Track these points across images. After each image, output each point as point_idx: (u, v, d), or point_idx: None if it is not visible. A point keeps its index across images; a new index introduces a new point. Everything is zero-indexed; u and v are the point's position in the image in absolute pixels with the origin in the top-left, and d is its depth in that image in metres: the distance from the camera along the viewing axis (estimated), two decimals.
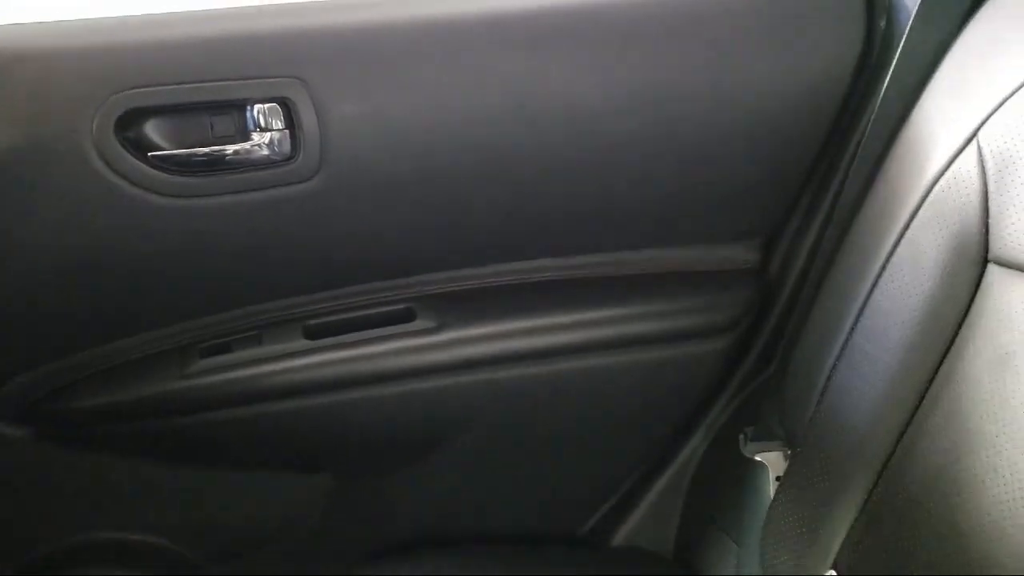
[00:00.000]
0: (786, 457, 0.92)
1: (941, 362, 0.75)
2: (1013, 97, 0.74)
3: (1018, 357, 0.69)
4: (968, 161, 0.76)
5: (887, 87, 0.85)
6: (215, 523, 0.95)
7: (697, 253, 0.97)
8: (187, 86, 0.79)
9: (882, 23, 0.90)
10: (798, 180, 0.94)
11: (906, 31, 0.84)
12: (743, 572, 0.96)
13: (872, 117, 0.86)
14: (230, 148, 0.81)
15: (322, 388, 0.87)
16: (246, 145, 0.81)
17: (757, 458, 0.92)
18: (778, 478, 0.91)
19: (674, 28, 0.87)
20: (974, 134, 0.76)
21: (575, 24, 0.85)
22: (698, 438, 1.03)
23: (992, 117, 0.75)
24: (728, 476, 0.98)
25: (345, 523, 0.97)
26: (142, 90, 0.77)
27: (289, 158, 0.81)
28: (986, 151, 0.75)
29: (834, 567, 0.82)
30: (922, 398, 0.76)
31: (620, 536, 1.04)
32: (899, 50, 0.84)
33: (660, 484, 1.03)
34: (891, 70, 0.85)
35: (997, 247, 0.73)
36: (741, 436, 0.95)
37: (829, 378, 0.84)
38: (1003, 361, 0.70)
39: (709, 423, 1.02)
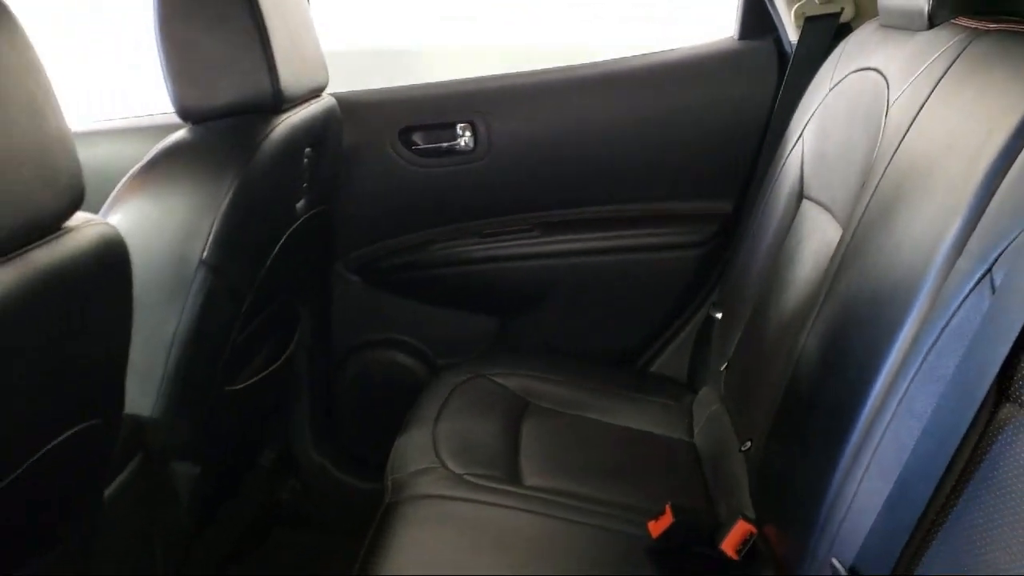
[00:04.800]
0: None
1: (780, 248, 1.47)
2: (816, 112, 1.45)
3: (802, 247, 1.38)
4: (798, 147, 1.48)
5: (776, 109, 1.58)
6: (444, 333, 1.87)
7: (695, 204, 1.75)
8: (430, 116, 1.73)
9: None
10: (748, 164, 1.68)
11: (785, 78, 1.57)
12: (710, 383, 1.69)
13: (770, 127, 1.60)
14: (452, 144, 1.73)
15: (488, 261, 1.78)
16: (456, 143, 1.73)
17: (716, 315, 1.66)
18: None
19: (666, 80, 1.68)
20: (802, 132, 1.48)
21: (613, 80, 1.69)
22: (703, 310, 1.78)
23: (809, 122, 1.47)
24: (708, 328, 1.73)
25: (502, 340, 1.86)
26: (411, 120, 1.73)
27: (474, 150, 1.72)
28: (806, 140, 1.46)
29: (727, 362, 1.54)
30: (771, 273, 1.48)
31: (655, 367, 1.83)
32: (781, 89, 1.57)
33: (681, 337, 1.81)
34: (777, 100, 1.58)
35: (805, 190, 1.44)
36: (712, 304, 1.70)
37: (739, 259, 1.58)
38: (798, 247, 1.39)
39: (707, 300, 1.78)
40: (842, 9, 1.54)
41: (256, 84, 1.23)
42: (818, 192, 1.38)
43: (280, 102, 1.27)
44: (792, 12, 1.56)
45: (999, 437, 0.71)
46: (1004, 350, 0.70)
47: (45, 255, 0.70)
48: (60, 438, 0.77)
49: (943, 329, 0.80)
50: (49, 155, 0.70)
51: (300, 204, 1.42)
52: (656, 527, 1.22)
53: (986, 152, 0.85)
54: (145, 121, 1.69)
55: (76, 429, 0.80)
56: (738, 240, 1.64)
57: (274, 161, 1.25)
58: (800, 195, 1.45)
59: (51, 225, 0.72)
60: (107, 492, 1.05)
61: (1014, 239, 0.75)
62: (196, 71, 1.23)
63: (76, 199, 0.75)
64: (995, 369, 0.70)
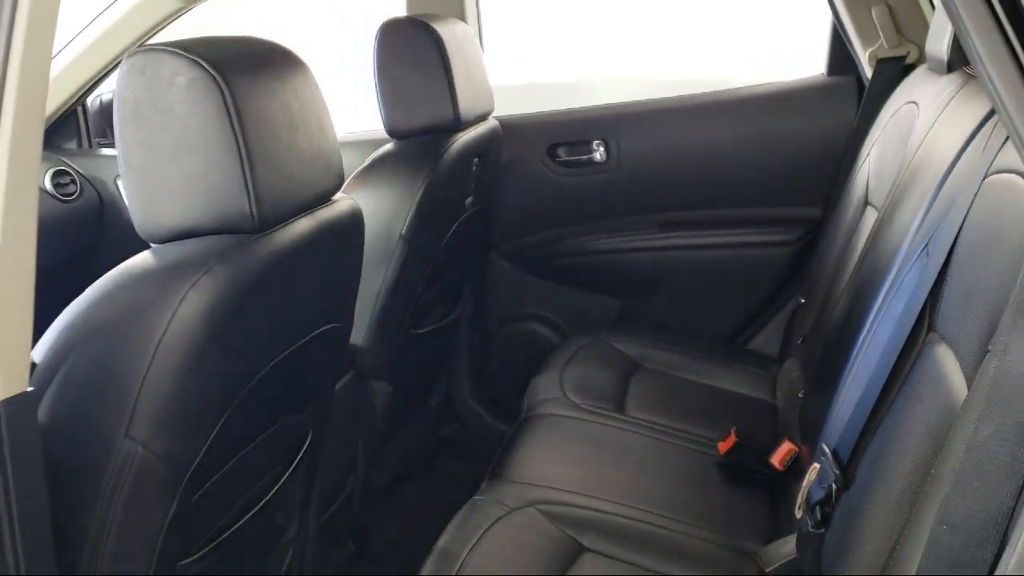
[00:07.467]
0: None
1: (848, 245, 1.82)
2: (879, 135, 1.80)
3: (859, 241, 1.73)
4: (866, 164, 1.84)
5: (852, 133, 1.94)
6: (575, 310, 2.31)
7: (788, 209, 2.12)
8: (571, 135, 2.18)
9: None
10: (832, 178, 2.04)
11: (860, 107, 1.92)
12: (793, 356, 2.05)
13: (848, 147, 1.95)
14: (588, 157, 2.18)
15: (613, 253, 2.21)
16: (592, 156, 2.17)
17: (802, 301, 2.02)
18: None
19: (766, 108, 2.07)
20: (869, 152, 1.83)
21: (723, 106, 2.10)
22: (793, 299, 2.14)
23: (875, 143, 1.81)
24: (796, 313, 2.09)
25: (623, 318, 2.28)
26: (557, 138, 2.18)
27: (606, 162, 2.16)
28: (871, 158, 1.82)
29: (804, 336, 1.89)
30: (840, 265, 1.84)
31: (751, 345, 2.20)
32: (857, 115, 1.93)
33: (774, 320, 2.17)
34: (854, 124, 1.94)
35: (868, 198, 1.79)
36: (798, 292, 2.06)
37: (819, 255, 1.94)
38: (858, 242, 1.75)
39: (797, 289, 2.13)
40: (908, 53, 1.88)
41: (442, 111, 1.72)
42: (875, 199, 1.73)
43: (458, 124, 1.75)
44: (867, 55, 1.92)
45: (921, 354, 1.08)
46: (925, 293, 1.07)
47: (324, 213, 1.19)
48: (322, 328, 1.26)
49: (901, 284, 1.17)
50: (328, 155, 1.19)
51: (468, 200, 1.90)
52: (723, 446, 1.62)
53: (943, 165, 1.22)
54: (360, 135, 2.23)
55: (331, 326, 1.28)
56: (821, 240, 2.00)
57: (452, 168, 1.73)
58: (865, 202, 1.80)
59: (327, 197, 1.21)
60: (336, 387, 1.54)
61: (941, 222, 1.12)
62: (401, 101, 1.73)
63: (340, 183, 1.23)
64: (919, 306, 1.07)
